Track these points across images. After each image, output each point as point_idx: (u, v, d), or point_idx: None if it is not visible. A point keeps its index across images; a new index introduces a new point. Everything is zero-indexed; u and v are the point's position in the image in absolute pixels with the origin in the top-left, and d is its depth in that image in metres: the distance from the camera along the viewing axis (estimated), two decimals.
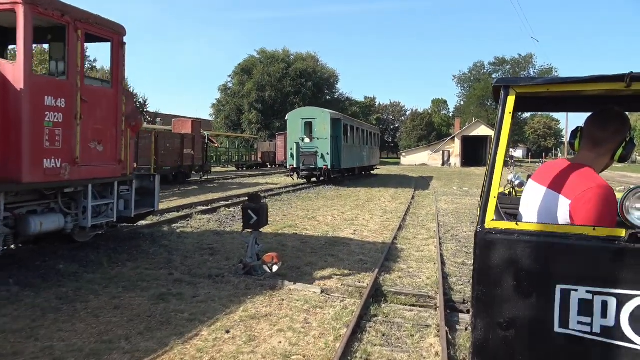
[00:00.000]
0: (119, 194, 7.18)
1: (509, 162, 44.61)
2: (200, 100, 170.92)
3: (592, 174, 2.06)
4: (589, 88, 2.02)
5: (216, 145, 44.02)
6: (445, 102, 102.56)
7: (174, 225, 9.56)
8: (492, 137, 2.19)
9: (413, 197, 17.36)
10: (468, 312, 4.66)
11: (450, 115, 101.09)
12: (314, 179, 21.49)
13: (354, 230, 9.82)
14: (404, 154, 63.76)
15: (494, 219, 2.00)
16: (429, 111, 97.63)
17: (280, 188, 18.97)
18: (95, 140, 6.38)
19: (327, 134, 20.45)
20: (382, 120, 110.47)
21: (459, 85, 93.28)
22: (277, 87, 59.62)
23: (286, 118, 21.42)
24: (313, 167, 20.62)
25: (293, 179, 21.54)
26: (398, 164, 62.62)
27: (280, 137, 30.42)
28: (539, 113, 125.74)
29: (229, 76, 64.44)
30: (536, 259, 1.91)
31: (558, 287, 1.86)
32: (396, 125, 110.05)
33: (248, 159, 40.73)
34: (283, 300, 5.28)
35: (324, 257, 7.40)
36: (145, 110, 60.87)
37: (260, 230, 6.53)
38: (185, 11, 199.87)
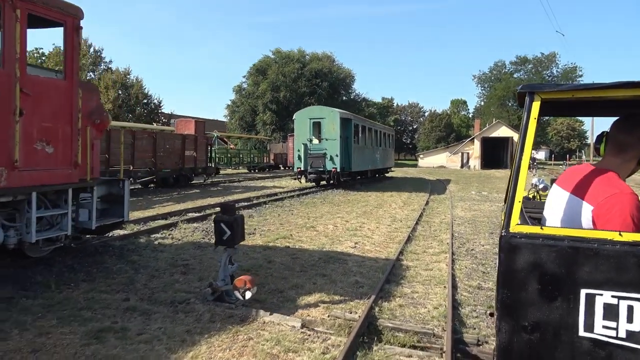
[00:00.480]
0: (78, 202, 6.24)
1: (531, 164, 42.77)
2: (216, 101, 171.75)
3: (616, 179, 2.06)
4: (615, 94, 2.02)
5: (231, 146, 43.39)
6: (465, 102, 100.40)
7: (153, 235, 8.60)
8: (517, 141, 2.20)
9: (427, 203, 16.16)
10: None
11: (470, 116, 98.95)
12: (323, 182, 20.41)
13: (355, 243, 8.72)
14: (421, 156, 62.19)
15: (519, 222, 2.03)
16: (448, 112, 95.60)
17: (285, 192, 17.96)
18: (42, 141, 5.44)
19: (336, 135, 19.35)
20: (400, 122, 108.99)
21: (479, 85, 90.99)
22: (292, 88, 58.78)
23: (294, 118, 20.37)
24: (321, 169, 19.54)
25: (300, 182, 20.49)
26: (416, 166, 61.03)
27: (292, 139, 29.42)
28: None
29: (244, 77, 64.04)
30: (561, 263, 1.93)
31: (583, 292, 1.88)
32: (414, 127, 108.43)
33: (260, 161, 39.90)
34: (250, 339, 4.23)
35: (313, 277, 6.32)
36: (160, 111, 60.83)
37: (241, 244, 5.52)
38: (202, 16, 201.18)
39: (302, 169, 19.77)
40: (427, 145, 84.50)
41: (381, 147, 27.46)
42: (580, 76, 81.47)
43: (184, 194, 16.70)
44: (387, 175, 31.81)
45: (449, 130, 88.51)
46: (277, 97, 57.66)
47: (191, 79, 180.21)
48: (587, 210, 2.05)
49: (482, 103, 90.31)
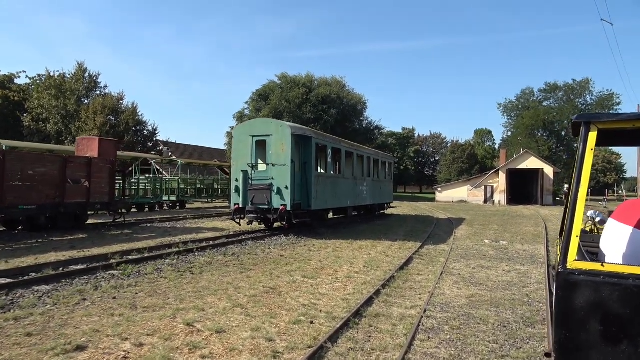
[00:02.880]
0: None
1: (564, 200, 35.75)
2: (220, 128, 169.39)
3: None
4: None
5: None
6: (490, 132, 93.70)
7: None
8: (573, 173, 2.16)
9: (407, 263, 10.24)
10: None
11: (496, 147, 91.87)
12: (278, 224, 14.62)
13: None
14: (439, 189, 55.55)
15: (577, 258, 1.94)
16: (472, 142, 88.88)
17: (206, 240, 12.30)
18: None
19: (286, 159, 13.67)
20: (421, 153, 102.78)
21: (505, 114, 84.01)
22: (296, 114, 53.79)
23: (232, 135, 14.75)
24: (266, 207, 13.79)
25: (238, 223, 14.68)
26: (433, 200, 54.41)
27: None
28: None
29: (246, 103, 59.44)
30: (626, 304, 1.80)
31: None
32: (436, 158, 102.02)
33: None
34: None
35: None
36: (155, 139, 56.72)
37: None
38: (235, 54, 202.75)
39: (240, 205, 14.05)
40: (449, 177, 77.74)
41: (372, 177, 21.56)
42: (618, 104, 74.07)
43: (49, 241, 11.17)
44: (384, 212, 25.69)
45: (473, 161, 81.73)
46: None
47: (192, 106, 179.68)
48: None
49: (509, 133, 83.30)
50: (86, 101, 56.20)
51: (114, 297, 6.59)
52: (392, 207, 34.25)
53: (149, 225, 16.76)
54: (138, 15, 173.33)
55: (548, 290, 8.65)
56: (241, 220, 14.58)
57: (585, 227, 4.69)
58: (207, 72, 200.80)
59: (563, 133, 74.99)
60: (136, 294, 6.84)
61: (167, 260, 9.35)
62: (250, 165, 14.17)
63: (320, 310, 6.26)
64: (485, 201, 50.36)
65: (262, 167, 14.33)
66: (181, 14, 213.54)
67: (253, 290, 7.22)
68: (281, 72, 61.64)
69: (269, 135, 14.00)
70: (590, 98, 76.12)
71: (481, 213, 31.05)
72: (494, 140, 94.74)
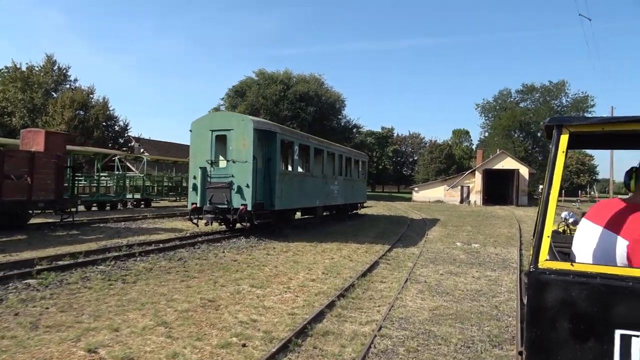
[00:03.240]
0: None
1: (539, 200, 35.65)
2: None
3: None
4: None
5: None
6: (468, 132, 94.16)
7: None
8: (546, 175, 2.21)
9: (371, 268, 9.48)
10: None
11: (473, 147, 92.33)
12: (240, 225, 13.67)
13: None
14: (416, 189, 55.20)
15: (548, 258, 1.99)
16: (449, 142, 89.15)
17: (156, 243, 11.32)
18: None
19: (248, 155, 12.75)
20: (400, 152, 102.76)
21: (483, 115, 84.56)
22: (273, 111, 52.77)
23: (189, 129, 13.73)
24: (225, 206, 12.85)
25: (195, 224, 13.68)
26: (410, 200, 54.05)
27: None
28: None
29: (222, 99, 58.11)
30: (594, 302, 1.85)
31: (618, 333, 1.81)
32: (415, 158, 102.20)
33: None
34: None
35: None
36: (127, 134, 54.90)
37: None
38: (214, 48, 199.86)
39: (197, 205, 13.06)
40: (426, 177, 77.72)
41: (344, 176, 20.78)
42: (592, 106, 75.17)
43: None
44: (357, 212, 24.95)
45: (450, 161, 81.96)
46: None
47: (171, 102, 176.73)
48: (621, 245, 1.98)
49: (487, 134, 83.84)
50: (55, 95, 53.97)
51: (17, 314, 5.60)
52: (367, 207, 33.63)
53: (101, 225, 15.60)
54: (114, 8, 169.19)
55: (519, 301, 8.00)
56: (200, 221, 13.60)
57: (558, 228, 4.70)
58: (187, 67, 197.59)
59: (539, 134, 75.75)
60: (46, 308, 5.86)
61: (100, 267, 8.33)
62: (209, 161, 13.19)
63: (259, 329, 5.39)
64: (462, 201, 50.25)
65: (222, 163, 13.37)
66: (160, 7, 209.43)
67: (187, 304, 6.31)
68: (259, 68, 60.69)
69: (229, 130, 13.04)
70: (566, 100, 77.08)
71: (456, 213, 30.64)
72: (472, 140, 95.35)
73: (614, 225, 2.04)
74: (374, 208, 33.52)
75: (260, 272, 8.72)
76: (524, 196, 48.89)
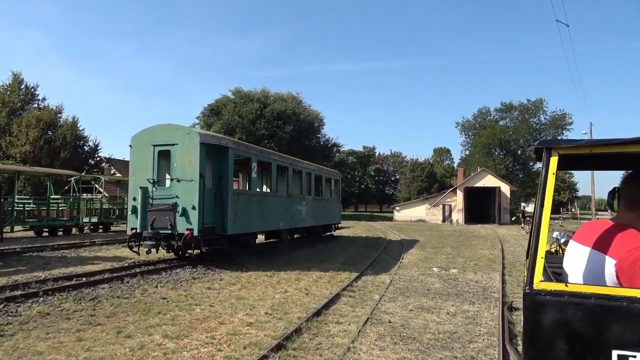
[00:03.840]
0: None
1: (521, 219, 34.57)
2: None
3: (636, 234, 2.02)
4: (633, 150, 2.03)
5: None
6: (449, 151, 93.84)
7: None
8: (537, 197, 2.27)
9: (330, 303, 7.96)
10: None
11: (455, 166, 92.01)
12: (194, 251, 11.99)
13: None
14: (397, 208, 53.95)
15: (542, 279, 1.99)
16: (431, 161, 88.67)
17: (77, 277, 9.59)
18: None
19: (194, 172, 11.21)
20: (382, 172, 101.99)
21: (463, 133, 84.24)
22: (250, 130, 51.37)
23: (129, 144, 12.13)
24: (169, 231, 11.22)
25: (136, 252, 11.97)
26: (391, 219, 52.76)
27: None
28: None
29: (197, 117, 56.46)
30: (589, 323, 1.86)
31: (615, 353, 1.81)
32: (397, 177, 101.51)
33: None
34: None
35: None
36: (97, 155, 52.75)
37: None
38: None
39: (137, 230, 11.40)
40: (408, 196, 76.72)
41: (314, 196, 19.29)
42: (570, 124, 75.54)
43: None
44: (332, 234, 23.41)
45: (432, 180, 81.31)
46: None
47: (157, 122, 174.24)
48: (610, 265, 1.99)
49: (467, 152, 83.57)
50: (22, 114, 51.66)
51: None
52: (345, 228, 32.15)
53: (34, 254, 13.76)
54: (98, 31, 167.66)
55: (501, 347, 6.51)
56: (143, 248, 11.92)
57: (551, 249, 4.70)
58: (171, 88, 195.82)
59: (519, 152, 75.72)
60: None
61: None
62: (151, 180, 11.60)
63: None
64: (444, 220, 49.12)
65: (166, 183, 11.78)
66: (142, 30, 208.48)
67: None
68: (235, 86, 59.41)
69: (173, 145, 11.50)
70: (544, 117, 77.17)
71: (437, 233, 29.32)
72: (453, 159, 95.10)
73: (601, 245, 2.06)
74: (352, 229, 32.04)
75: (187, 314, 7.10)
76: (506, 214, 47.99)
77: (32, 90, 54.36)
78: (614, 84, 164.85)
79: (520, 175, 74.47)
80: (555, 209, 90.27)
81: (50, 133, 48.37)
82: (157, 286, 9.16)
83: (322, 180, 20.75)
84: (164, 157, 11.74)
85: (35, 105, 54.12)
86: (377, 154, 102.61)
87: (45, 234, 21.63)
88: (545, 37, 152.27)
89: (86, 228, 23.95)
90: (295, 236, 19.11)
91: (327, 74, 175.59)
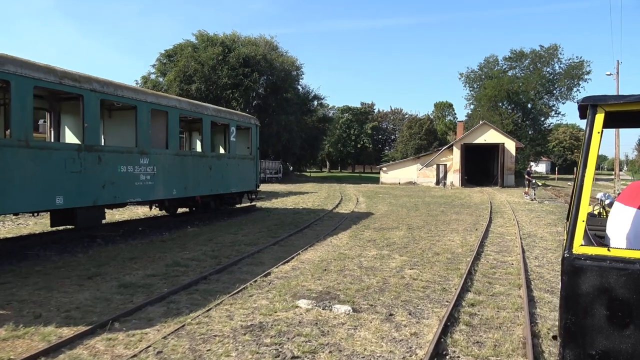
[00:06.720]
0: None
1: (528, 181, 27.03)
2: None
3: None
4: None
5: None
6: (451, 105, 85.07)
7: None
8: (579, 158, 2.12)
9: None
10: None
11: (457, 121, 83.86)
12: None
13: None
14: (384, 169, 46.56)
15: (583, 243, 1.93)
16: (431, 116, 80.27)
17: None
18: None
19: None
20: (381, 130, 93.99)
21: (467, 85, 75.14)
22: (211, 78, 43.75)
23: None
24: None
25: None
26: (378, 181, 45.59)
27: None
28: (565, 122, 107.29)
29: (152, 65, 48.61)
30: (632, 288, 1.78)
31: None
32: (396, 136, 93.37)
33: None
34: None
35: None
36: None
37: None
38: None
39: None
40: (405, 155, 69.14)
41: (205, 153, 12.15)
42: (588, 72, 66.03)
43: None
44: (254, 205, 16.40)
45: (431, 137, 73.39)
46: (188, 91, 42.46)
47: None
48: None
49: (471, 106, 74.94)
50: None
51: None
52: (306, 194, 25.19)
53: None
54: None
55: None
56: None
57: (594, 211, 4.43)
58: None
59: (529, 105, 67.15)
60: None
61: None
62: None
63: None
64: (438, 182, 41.92)
65: None
66: None
67: None
68: (198, 29, 51.17)
69: None
70: (559, 66, 67.88)
71: (414, 201, 22.19)
72: (455, 114, 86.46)
73: None
74: (308, 196, 24.87)
75: None
76: (510, 175, 40.63)
77: None
78: None
79: (530, 132, 66.33)
80: (568, 169, 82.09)
81: None
82: None
83: (226, 129, 13.47)
84: None
85: None
86: (376, 110, 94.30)
87: None
88: None
89: None
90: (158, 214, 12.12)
91: (329, 33, 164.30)
